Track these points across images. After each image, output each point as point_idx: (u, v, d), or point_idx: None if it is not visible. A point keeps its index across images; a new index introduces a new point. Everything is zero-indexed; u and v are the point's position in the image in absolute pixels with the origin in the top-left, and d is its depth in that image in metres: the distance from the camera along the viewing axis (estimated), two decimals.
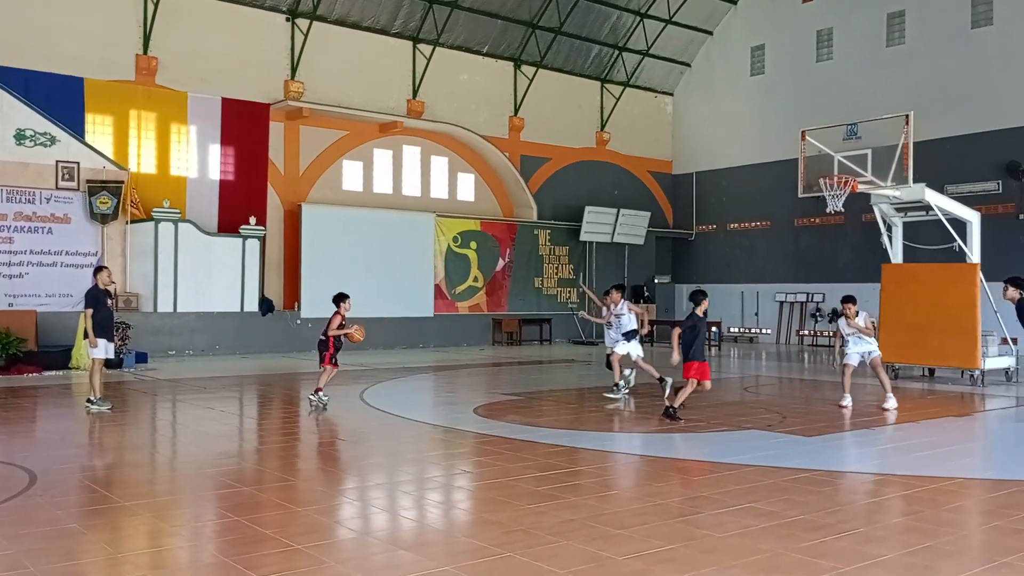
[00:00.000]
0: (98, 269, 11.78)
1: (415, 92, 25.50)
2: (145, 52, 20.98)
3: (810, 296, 26.91)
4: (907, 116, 15.86)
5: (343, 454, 9.06)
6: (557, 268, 28.32)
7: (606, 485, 7.28)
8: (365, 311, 19.01)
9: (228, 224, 21.59)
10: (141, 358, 18.08)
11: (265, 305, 21.56)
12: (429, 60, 25.54)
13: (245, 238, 21.17)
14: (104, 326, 11.35)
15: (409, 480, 7.75)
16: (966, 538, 5.92)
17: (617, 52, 29.43)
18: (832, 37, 27.09)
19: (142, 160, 20.99)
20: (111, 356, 11.75)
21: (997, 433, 11.46)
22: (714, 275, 29.98)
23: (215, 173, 22.07)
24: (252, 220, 21.38)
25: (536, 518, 6.13)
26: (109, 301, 11.53)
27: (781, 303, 27.68)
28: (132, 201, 19.94)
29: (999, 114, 23.20)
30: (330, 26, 23.84)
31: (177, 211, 20.39)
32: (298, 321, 22.27)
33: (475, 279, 26.28)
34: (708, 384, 10.76)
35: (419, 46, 25.54)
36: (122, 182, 19.67)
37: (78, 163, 19.28)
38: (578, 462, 8.41)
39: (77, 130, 19.61)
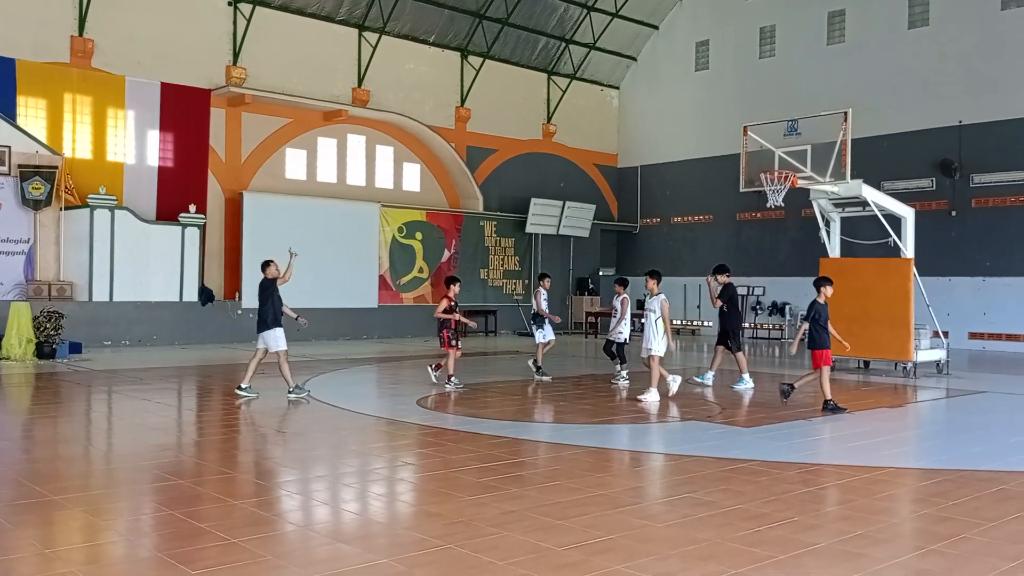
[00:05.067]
0: (266, 263, 11.99)
1: (360, 81, 25.24)
2: (81, 34, 20.40)
3: (751, 289, 27.32)
4: (845, 113, 16.15)
5: (283, 447, 8.95)
6: (503, 260, 28.33)
7: (548, 476, 7.31)
8: (308, 302, 18.80)
9: (167, 212, 21.13)
10: (75, 348, 17.63)
11: (205, 295, 21.17)
12: (375, 49, 25.30)
13: (184, 226, 20.74)
14: (277, 317, 11.82)
15: (351, 472, 7.69)
16: (897, 526, 6.08)
17: (564, 44, 29.49)
18: (775, 34, 27.50)
19: (77, 145, 20.42)
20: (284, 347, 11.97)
21: (928, 424, 11.81)
22: (658, 268, 30.20)
23: (154, 159, 21.56)
24: (192, 208, 20.95)
25: (477, 510, 6.13)
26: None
27: None
28: (66, 187, 19.41)
29: (934, 113, 23.79)
30: (273, 11, 23.45)
31: (114, 198, 19.89)
32: (239, 311, 21.91)
33: (420, 270, 26.15)
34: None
35: (365, 34, 25.28)
36: (56, 167, 19.13)
37: (9, 147, 18.70)
38: (521, 453, 8.43)
39: (8, 113, 19.00)
